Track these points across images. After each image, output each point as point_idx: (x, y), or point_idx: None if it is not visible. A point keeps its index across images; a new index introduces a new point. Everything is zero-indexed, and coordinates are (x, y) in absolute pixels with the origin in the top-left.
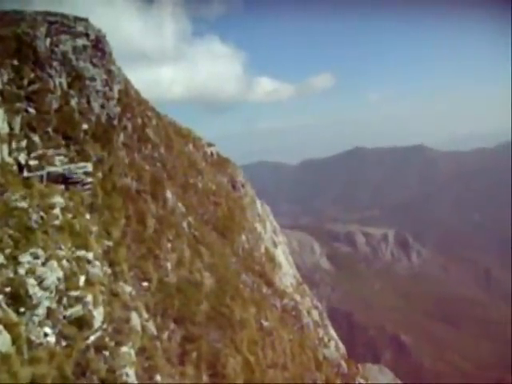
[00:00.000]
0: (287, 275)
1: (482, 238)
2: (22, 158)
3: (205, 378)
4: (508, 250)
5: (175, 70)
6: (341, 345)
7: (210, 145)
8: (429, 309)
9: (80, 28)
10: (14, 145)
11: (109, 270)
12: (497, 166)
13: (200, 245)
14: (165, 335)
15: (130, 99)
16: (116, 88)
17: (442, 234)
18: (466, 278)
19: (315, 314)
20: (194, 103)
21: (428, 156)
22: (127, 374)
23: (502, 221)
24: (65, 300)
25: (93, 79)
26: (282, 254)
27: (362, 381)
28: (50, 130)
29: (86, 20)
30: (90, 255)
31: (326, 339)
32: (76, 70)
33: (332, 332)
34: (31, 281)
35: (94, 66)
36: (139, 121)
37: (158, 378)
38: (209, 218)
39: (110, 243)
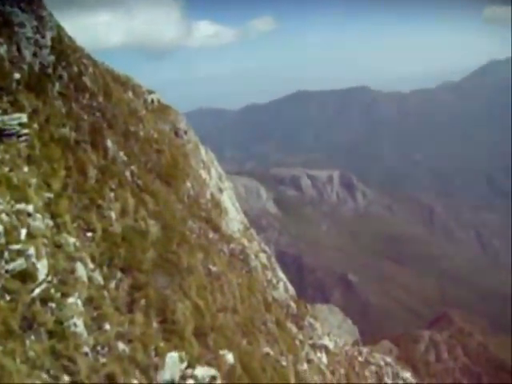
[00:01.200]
0: (234, 220)
1: (424, 177)
2: None
3: (155, 325)
4: (448, 188)
5: (112, 18)
6: (290, 286)
7: (150, 92)
8: (375, 248)
9: None
10: None
11: (51, 222)
12: (437, 106)
13: (144, 193)
14: (112, 284)
15: (64, 47)
16: (48, 35)
17: (385, 174)
18: (411, 216)
19: (263, 257)
20: (132, 51)
21: (370, 97)
22: (75, 325)
23: (442, 159)
24: (6, 254)
25: (22, 25)
26: (228, 200)
27: (311, 320)
28: None
29: None
30: (30, 208)
31: (274, 281)
32: (2, 15)
33: (281, 274)
34: None
35: (23, 11)
36: (75, 69)
37: (107, 326)
38: (152, 166)
39: (51, 195)
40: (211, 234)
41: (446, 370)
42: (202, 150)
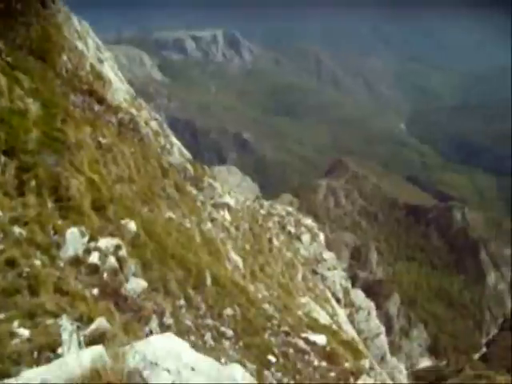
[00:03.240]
0: (119, 91)
1: (309, 28)
2: None
3: (49, 204)
4: (334, 37)
5: None
6: (185, 151)
7: None
8: (265, 104)
9: None
10: None
11: None
12: None
13: (17, 71)
14: None
15: None
16: None
17: (270, 27)
18: (298, 68)
19: (154, 124)
20: None
21: None
22: None
23: (328, 9)
24: None
25: None
26: (110, 70)
27: (210, 180)
28: None
29: None
30: None
31: (168, 147)
32: None
33: (174, 140)
34: None
35: None
36: None
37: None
38: (21, 41)
39: None
40: (96, 107)
41: (345, 213)
42: (75, 20)
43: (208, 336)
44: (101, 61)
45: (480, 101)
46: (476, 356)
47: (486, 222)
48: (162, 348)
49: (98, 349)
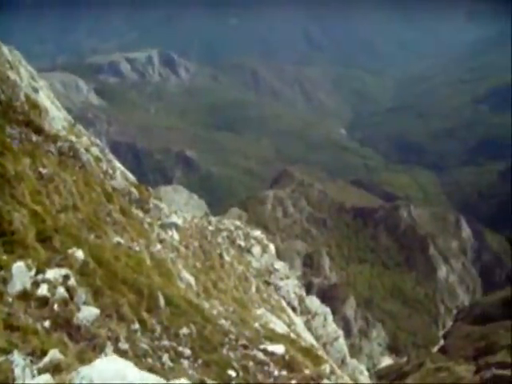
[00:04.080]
0: (57, 119)
1: (243, 42)
2: None
3: None
4: (269, 48)
5: None
6: (129, 174)
7: None
8: (206, 120)
9: None
10: None
11: None
12: None
13: None
14: None
15: None
16: None
17: (205, 44)
18: (236, 82)
19: (95, 150)
20: None
21: None
22: None
23: (258, 20)
24: None
25: None
26: (46, 99)
27: (156, 202)
28: None
29: None
30: None
31: (111, 172)
32: None
33: (117, 164)
34: None
35: None
36: None
37: None
38: None
39: None
40: (34, 137)
41: (294, 222)
42: (5, 50)
43: (166, 357)
44: (36, 90)
45: (415, 101)
46: (435, 349)
47: (432, 217)
48: (107, 370)
49: (46, 377)
